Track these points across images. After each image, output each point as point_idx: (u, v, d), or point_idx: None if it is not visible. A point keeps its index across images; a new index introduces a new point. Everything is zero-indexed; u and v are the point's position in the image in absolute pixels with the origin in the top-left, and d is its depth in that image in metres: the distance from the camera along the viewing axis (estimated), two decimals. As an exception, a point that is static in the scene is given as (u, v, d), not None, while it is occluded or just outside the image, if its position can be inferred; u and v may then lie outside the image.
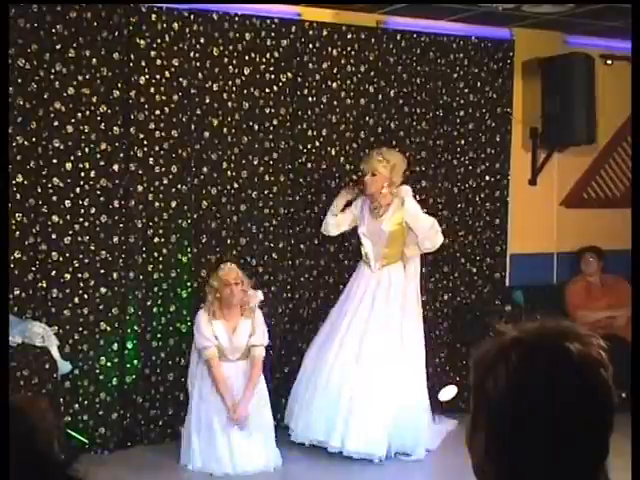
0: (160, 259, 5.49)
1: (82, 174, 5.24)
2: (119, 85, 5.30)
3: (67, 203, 5.20)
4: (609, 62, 6.90)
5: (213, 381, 5.06)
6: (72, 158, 5.20)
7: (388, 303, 5.35)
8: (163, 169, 5.47)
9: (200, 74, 5.54)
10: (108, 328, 5.33)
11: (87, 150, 5.24)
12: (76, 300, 5.25)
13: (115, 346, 5.35)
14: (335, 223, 5.54)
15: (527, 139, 6.76)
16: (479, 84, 6.46)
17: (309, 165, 5.92)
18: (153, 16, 5.38)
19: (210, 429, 5.01)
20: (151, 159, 5.43)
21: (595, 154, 7.05)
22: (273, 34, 5.74)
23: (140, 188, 5.39)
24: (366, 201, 5.50)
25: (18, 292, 5.07)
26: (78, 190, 5.23)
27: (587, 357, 1.20)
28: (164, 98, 5.43)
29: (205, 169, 5.60)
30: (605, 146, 7.08)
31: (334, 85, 5.97)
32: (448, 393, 5.96)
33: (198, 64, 5.52)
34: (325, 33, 5.91)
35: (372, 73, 6.07)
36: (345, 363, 5.25)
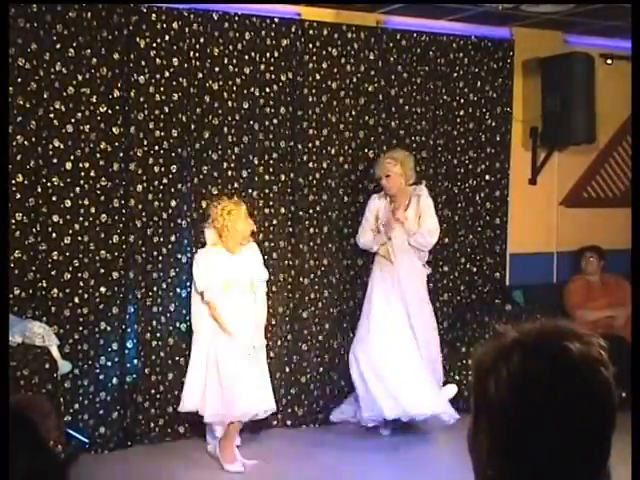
0: (160, 258, 5.49)
1: (82, 174, 5.24)
2: (119, 85, 5.30)
3: (67, 203, 5.21)
4: (609, 61, 6.90)
5: (219, 324, 5.03)
6: (72, 158, 5.20)
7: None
8: (163, 169, 5.47)
9: (200, 74, 5.54)
10: (108, 327, 5.33)
11: (87, 150, 5.24)
12: (76, 300, 5.25)
13: (115, 345, 5.35)
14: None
15: (527, 138, 6.76)
16: (479, 83, 6.46)
17: (309, 164, 5.92)
18: (153, 16, 5.38)
19: (223, 371, 5.00)
20: (151, 159, 5.43)
21: (595, 153, 7.06)
22: (273, 34, 5.74)
23: (140, 188, 5.39)
24: (383, 200, 5.70)
25: (18, 292, 5.07)
26: (78, 190, 5.24)
27: (587, 357, 1.20)
28: (164, 98, 5.43)
29: (205, 169, 5.60)
30: (605, 145, 7.09)
31: (334, 85, 5.97)
32: (448, 392, 5.96)
33: (198, 64, 5.52)
34: (325, 33, 5.91)
35: (372, 72, 6.07)
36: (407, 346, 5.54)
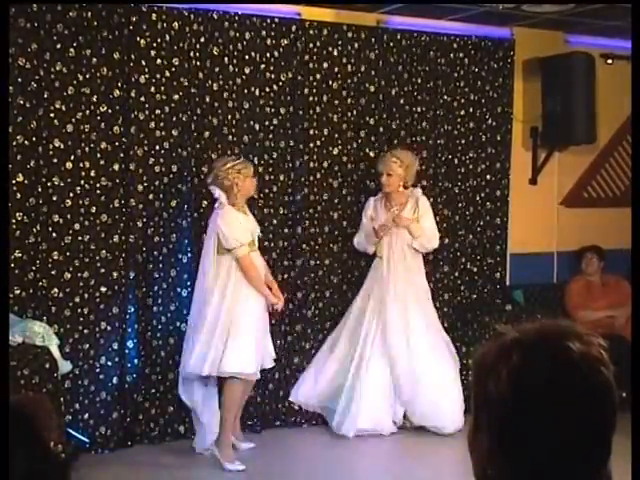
0: (160, 258, 5.49)
1: (82, 173, 5.24)
2: (119, 84, 5.30)
3: (67, 202, 5.21)
4: (609, 61, 6.90)
5: (251, 277, 5.05)
6: (72, 157, 5.20)
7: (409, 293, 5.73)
8: (163, 168, 5.47)
9: (200, 73, 5.54)
10: (108, 327, 5.33)
11: (87, 149, 5.24)
12: (76, 299, 5.25)
13: (115, 345, 5.35)
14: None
15: (527, 138, 6.76)
16: (479, 83, 6.46)
17: (310, 164, 5.92)
18: (153, 15, 5.38)
19: (253, 329, 5.04)
20: (151, 158, 5.43)
21: (595, 153, 7.06)
22: (273, 33, 5.74)
23: (140, 187, 5.39)
24: (379, 201, 5.79)
25: (19, 291, 5.07)
26: (78, 189, 5.24)
27: (588, 356, 1.20)
28: (164, 97, 5.43)
29: (205, 168, 5.59)
30: (605, 145, 7.09)
31: (335, 84, 5.97)
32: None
33: (198, 63, 5.52)
34: (325, 32, 5.91)
35: (373, 72, 6.07)
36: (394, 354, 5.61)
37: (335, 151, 5.99)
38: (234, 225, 5.01)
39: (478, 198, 6.53)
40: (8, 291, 4.79)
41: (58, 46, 5.12)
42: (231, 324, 4.96)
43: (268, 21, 5.72)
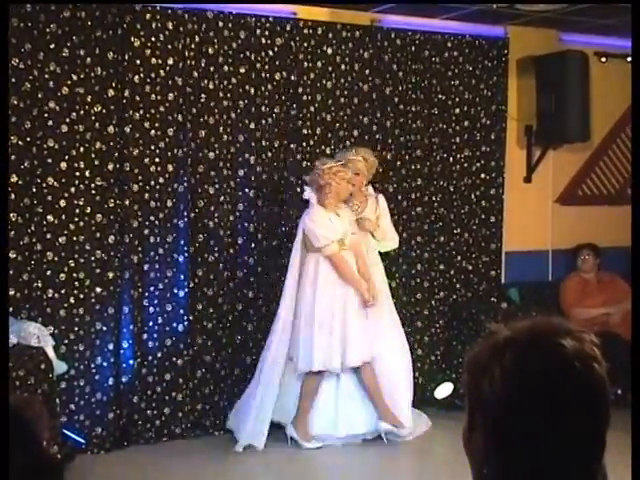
0: (156, 258, 5.49)
1: (77, 173, 5.23)
2: (114, 84, 5.29)
3: (62, 203, 5.20)
4: (603, 60, 6.90)
5: (344, 274, 5.24)
6: (67, 157, 5.20)
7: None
8: (159, 168, 5.46)
9: (195, 73, 5.53)
10: (104, 328, 5.33)
11: (82, 149, 5.24)
12: (72, 300, 5.24)
13: (111, 346, 5.34)
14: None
15: (522, 137, 6.77)
16: (474, 82, 6.46)
17: (304, 164, 5.92)
18: (147, 15, 5.37)
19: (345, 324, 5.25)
20: (146, 158, 5.42)
21: (590, 151, 7.07)
22: (268, 33, 5.74)
23: (135, 187, 5.38)
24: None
25: (13, 292, 5.06)
26: (73, 190, 5.23)
27: (580, 353, 1.21)
28: (159, 97, 5.43)
29: (201, 168, 5.59)
30: (599, 143, 7.10)
31: (329, 84, 5.97)
32: (444, 391, 5.98)
33: (193, 63, 5.52)
34: (320, 32, 5.91)
35: (367, 71, 6.07)
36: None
37: (328, 150, 5.99)
38: (322, 223, 5.22)
39: (473, 196, 6.53)
40: (7, 293, 4.78)
41: (52, 46, 5.11)
42: (333, 318, 5.21)
43: (263, 20, 5.72)
